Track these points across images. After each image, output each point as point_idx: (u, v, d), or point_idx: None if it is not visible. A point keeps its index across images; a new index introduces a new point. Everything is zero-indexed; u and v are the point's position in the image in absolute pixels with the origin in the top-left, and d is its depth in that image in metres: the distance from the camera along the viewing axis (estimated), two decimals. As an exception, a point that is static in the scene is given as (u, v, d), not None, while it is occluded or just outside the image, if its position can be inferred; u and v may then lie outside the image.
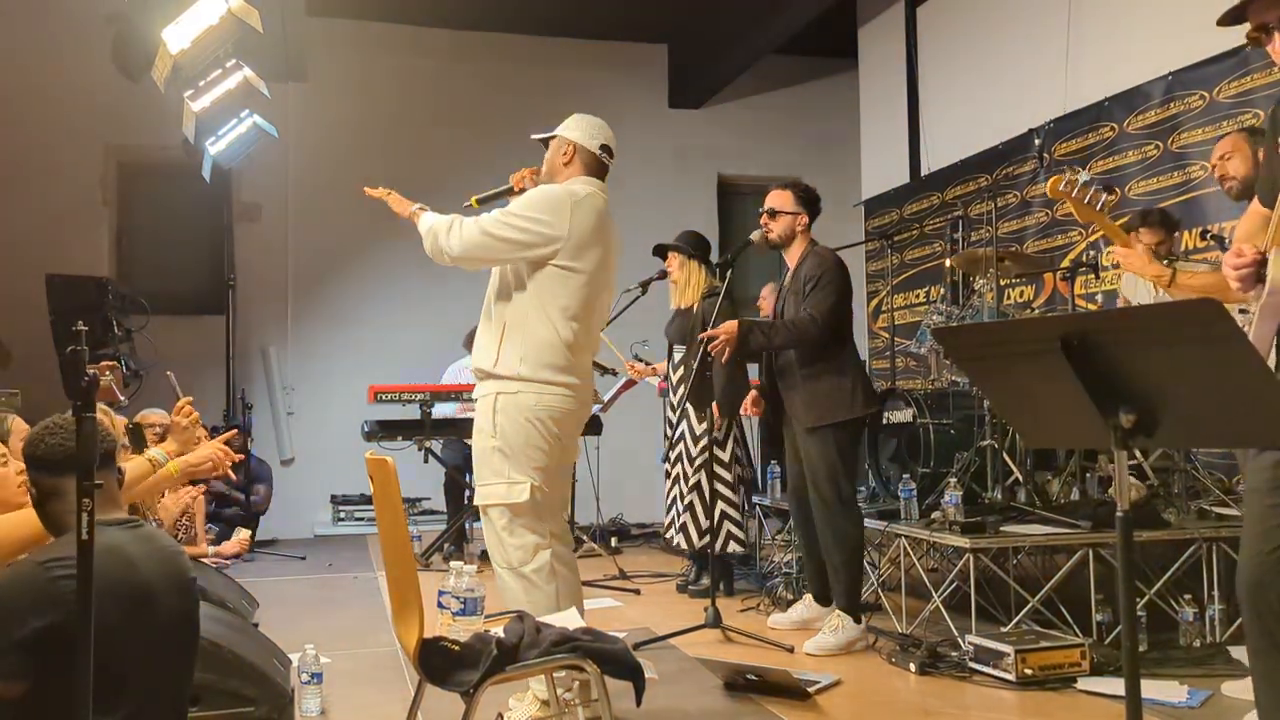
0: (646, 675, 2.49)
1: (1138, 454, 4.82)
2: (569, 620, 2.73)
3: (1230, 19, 2.43)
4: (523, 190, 3.73)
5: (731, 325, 4.42)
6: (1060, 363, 1.86)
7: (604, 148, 3.67)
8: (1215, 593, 4.29)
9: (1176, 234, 5.14)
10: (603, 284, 3.60)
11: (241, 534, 6.52)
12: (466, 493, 7.11)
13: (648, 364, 6.39)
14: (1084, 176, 2.60)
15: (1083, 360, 1.84)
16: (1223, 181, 4.26)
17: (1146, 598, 4.30)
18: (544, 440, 3.46)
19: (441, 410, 7.06)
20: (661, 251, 5.76)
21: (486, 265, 3.56)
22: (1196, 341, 1.67)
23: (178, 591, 2.31)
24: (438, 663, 2.37)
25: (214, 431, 7.87)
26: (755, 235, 4.64)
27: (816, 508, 4.47)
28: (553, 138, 3.71)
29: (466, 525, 7.06)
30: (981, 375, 2.20)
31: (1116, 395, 1.85)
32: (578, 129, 3.68)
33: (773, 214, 4.61)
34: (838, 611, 4.42)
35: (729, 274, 4.75)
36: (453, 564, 2.59)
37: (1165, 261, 3.48)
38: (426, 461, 7.00)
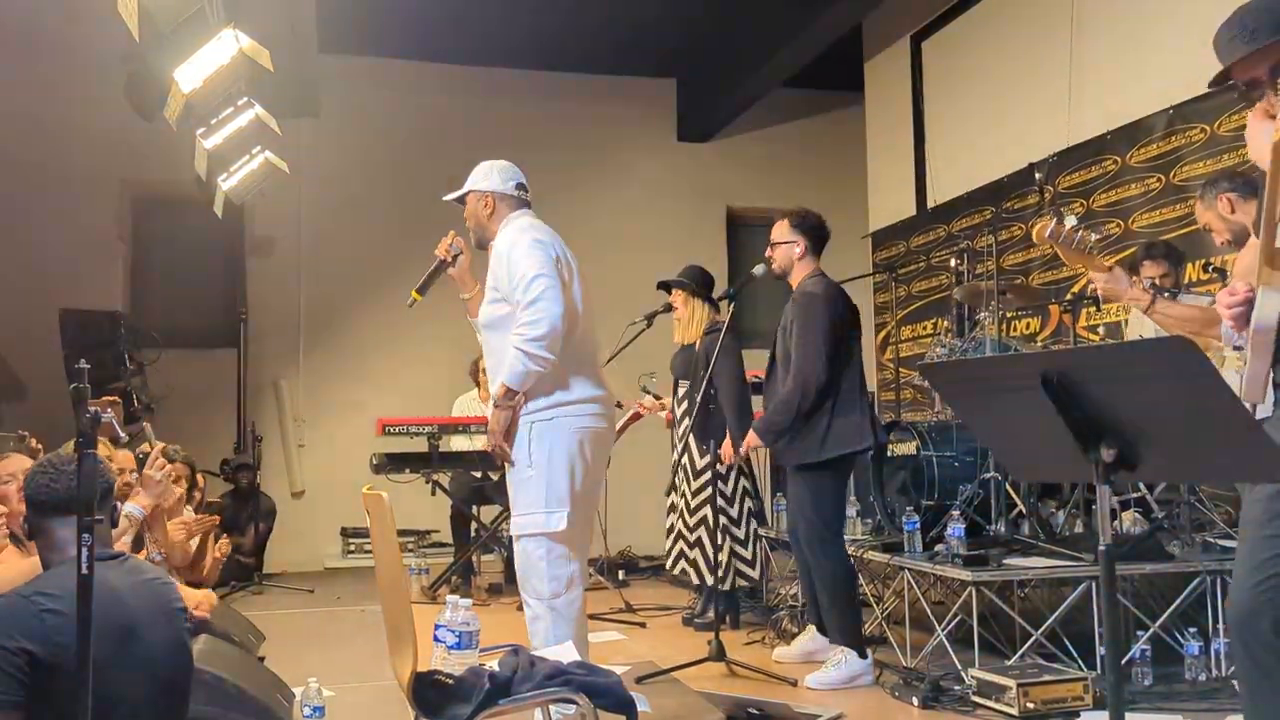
0: (640, 709, 2.50)
1: (1141, 487, 4.82)
2: (564, 654, 2.75)
3: (1219, 82, 2.45)
4: (450, 259, 3.81)
5: (750, 438, 4.48)
6: (1041, 398, 1.89)
7: (519, 186, 3.76)
8: (1220, 626, 4.26)
9: (1180, 266, 5.14)
10: (581, 291, 3.67)
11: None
12: (473, 525, 7.14)
13: (657, 398, 6.41)
14: (1070, 221, 2.62)
15: (1063, 396, 1.87)
16: (1216, 237, 4.24)
17: (1151, 631, 4.28)
18: (580, 464, 3.51)
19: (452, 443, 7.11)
20: (666, 287, 5.80)
21: (562, 324, 3.45)
22: (1170, 378, 1.69)
23: (165, 621, 2.34)
24: (431, 696, 2.39)
25: (224, 465, 7.96)
26: (757, 269, 4.67)
27: (803, 545, 4.51)
28: (467, 195, 3.76)
29: (474, 558, 7.08)
30: (967, 410, 2.23)
31: (1097, 430, 1.87)
32: (489, 178, 3.74)
33: (773, 245, 4.64)
34: (844, 648, 4.42)
35: (731, 308, 4.79)
36: (449, 597, 2.61)
37: (1166, 294, 3.49)
38: (434, 494, 7.03)
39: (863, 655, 4.41)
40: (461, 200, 3.79)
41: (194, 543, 5.09)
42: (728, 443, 5.04)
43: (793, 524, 4.64)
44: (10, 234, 8.19)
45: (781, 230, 4.61)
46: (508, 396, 3.47)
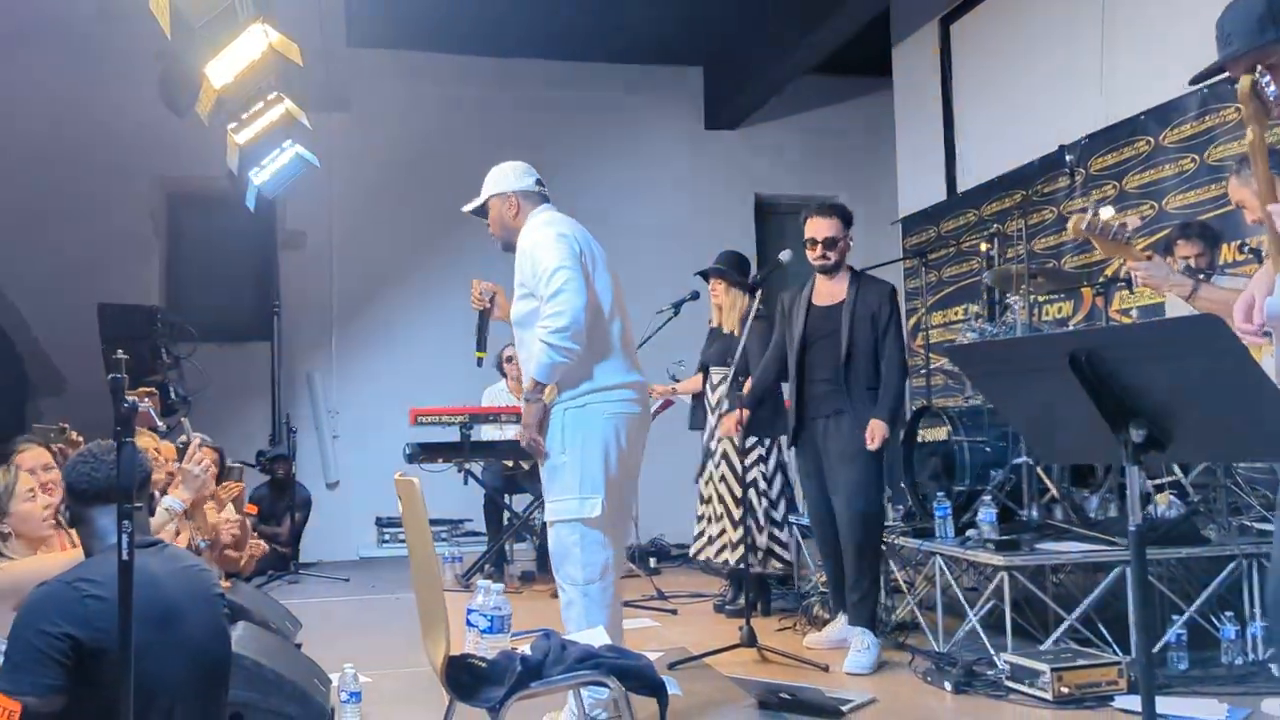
0: (670, 692, 2.52)
1: (1176, 470, 4.78)
2: (595, 638, 2.78)
3: (1206, 76, 2.43)
4: (488, 304, 3.90)
5: (882, 427, 4.45)
6: (1069, 379, 1.88)
7: (537, 181, 3.79)
8: (1257, 610, 4.23)
9: (1216, 247, 5.08)
10: (614, 275, 3.71)
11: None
12: (506, 514, 7.18)
13: (675, 380, 6.41)
14: (1106, 211, 2.60)
15: (1092, 376, 1.86)
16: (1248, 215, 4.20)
17: (1187, 615, 4.25)
18: (614, 451, 3.53)
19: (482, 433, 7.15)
20: (705, 275, 5.80)
21: (585, 315, 3.48)
22: (1199, 356, 1.69)
23: (205, 607, 2.38)
24: (464, 680, 2.42)
25: (260, 456, 8.06)
26: (784, 255, 4.67)
27: (851, 526, 4.53)
28: (487, 203, 3.79)
29: (507, 546, 7.13)
30: (995, 392, 2.22)
31: (1127, 410, 1.87)
32: (507, 180, 3.77)
33: (832, 244, 4.64)
34: (862, 630, 4.46)
35: (758, 294, 4.80)
36: (480, 582, 2.64)
37: (1201, 275, 3.44)
38: (466, 483, 7.08)
39: (877, 634, 4.53)
40: (481, 210, 3.82)
41: (229, 512, 5.12)
42: (731, 416, 5.03)
43: (818, 509, 4.69)
44: (48, 230, 8.32)
45: (836, 227, 4.65)
46: (536, 390, 3.52)
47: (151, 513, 2.60)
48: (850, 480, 4.55)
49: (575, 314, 3.41)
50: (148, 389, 5.92)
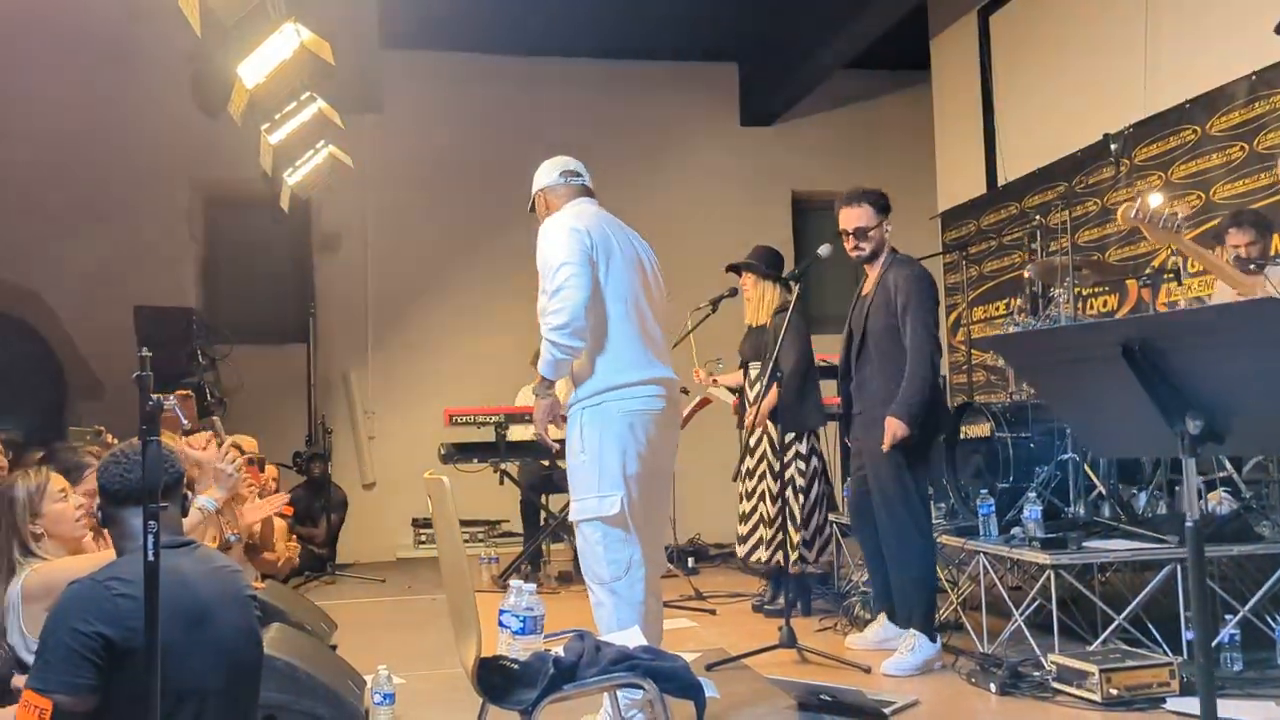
0: (708, 695, 2.46)
1: (1229, 466, 4.65)
2: (630, 639, 2.72)
3: None
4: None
5: (895, 424, 4.27)
6: (1122, 369, 1.80)
7: (563, 174, 3.78)
8: (1315, 609, 4.10)
9: (1269, 236, 4.93)
10: (639, 270, 3.65)
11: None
12: (542, 514, 7.14)
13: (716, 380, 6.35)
14: (1155, 199, 2.51)
15: (1145, 365, 1.78)
16: None
17: (1240, 614, 4.12)
18: (632, 447, 3.49)
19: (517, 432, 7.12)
20: (735, 269, 5.73)
21: (585, 311, 3.45)
22: (1261, 343, 1.60)
23: (236, 609, 2.35)
24: (496, 681, 2.37)
25: (296, 456, 8.07)
26: (823, 250, 4.57)
27: (886, 525, 4.41)
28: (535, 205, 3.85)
29: (543, 547, 7.09)
30: (1043, 383, 2.14)
31: (1182, 401, 1.78)
32: (538, 180, 3.83)
33: (862, 234, 4.52)
34: (913, 630, 4.34)
35: (798, 288, 4.72)
36: (513, 582, 2.59)
37: (1253, 266, 3.31)
38: (502, 483, 7.05)
39: (933, 639, 4.34)
40: (534, 209, 3.86)
41: (253, 504, 5.10)
42: (753, 410, 4.95)
43: (862, 507, 4.58)
44: (84, 234, 8.38)
45: (867, 216, 4.52)
46: (543, 385, 3.55)
47: (185, 513, 2.57)
48: (877, 483, 4.45)
49: (574, 310, 3.40)
50: (183, 392, 5.95)
